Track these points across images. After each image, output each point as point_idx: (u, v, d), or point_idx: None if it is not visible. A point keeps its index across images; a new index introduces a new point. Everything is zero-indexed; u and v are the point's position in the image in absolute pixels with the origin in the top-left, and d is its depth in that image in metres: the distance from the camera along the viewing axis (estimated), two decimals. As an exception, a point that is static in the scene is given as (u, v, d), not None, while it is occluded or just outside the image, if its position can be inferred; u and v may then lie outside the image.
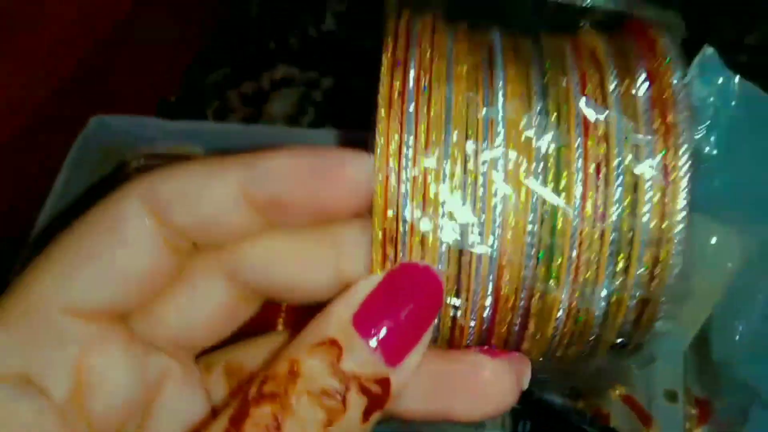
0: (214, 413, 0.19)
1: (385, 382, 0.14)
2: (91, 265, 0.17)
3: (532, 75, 0.17)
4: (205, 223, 0.17)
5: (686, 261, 0.18)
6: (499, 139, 0.16)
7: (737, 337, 0.41)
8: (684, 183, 0.18)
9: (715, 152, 0.45)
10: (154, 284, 0.18)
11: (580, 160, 0.17)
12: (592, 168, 0.17)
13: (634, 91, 0.17)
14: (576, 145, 0.17)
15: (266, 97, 0.66)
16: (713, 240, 0.43)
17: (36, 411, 0.15)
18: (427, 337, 0.15)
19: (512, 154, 0.16)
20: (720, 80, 0.45)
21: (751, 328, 0.41)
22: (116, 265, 0.17)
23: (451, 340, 0.17)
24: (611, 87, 0.17)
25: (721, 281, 0.43)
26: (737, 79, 0.44)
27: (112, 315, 0.17)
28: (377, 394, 0.14)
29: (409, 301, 0.15)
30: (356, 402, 0.14)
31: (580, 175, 0.16)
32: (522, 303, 0.16)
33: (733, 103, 0.44)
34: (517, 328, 0.17)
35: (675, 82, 0.17)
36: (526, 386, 0.17)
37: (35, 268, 0.17)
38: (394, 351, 0.15)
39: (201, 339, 0.19)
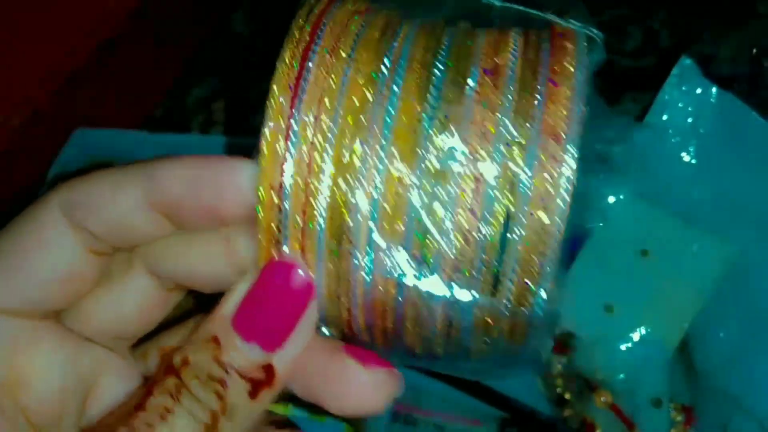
0: None
1: (268, 367, 0.17)
2: (13, 268, 0.18)
3: (432, 72, 0.17)
4: (116, 228, 0.19)
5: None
6: (385, 141, 0.17)
7: (718, 346, 0.42)
8: (562, 195, 0.16)
9: (693, 161, 0.45)
10: (78, 284, 0.19)
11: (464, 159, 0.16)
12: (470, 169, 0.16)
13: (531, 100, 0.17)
14: (464, 150, 0.16)
15: (253, 109, 0.66)
16: (694, 248, 0.43)
17: None
18: (304, 325, 0.17)
19: (396, 149, 0.16)
20: (698, 90, 0.46)
21: (731, 336, 0.42)
22: (38, 268, 0.18)
23: (343, 330, 0.18)
24: (508, 95, 0.17)
25: (704, 289, 0.43)
26: (715, 89, 0.45)
27: (41, 313, 0.19)
28: (260, 378, 0.17)
29: (278, 298, 0.17)
30: (237, 385, 0.17)
31: (460, 180, 0.16)
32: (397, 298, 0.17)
33: (712, 113, 0.45)
34: (395, 323, 0.17)
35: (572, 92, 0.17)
36: (393, 398, 0.18)
37: None
38: (270, 341, 0.17)
39: (133, 329, 0.21)
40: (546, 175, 0.16)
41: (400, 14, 0.19)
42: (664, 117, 0.46)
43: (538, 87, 0.17)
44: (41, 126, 0.53)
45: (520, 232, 0.16)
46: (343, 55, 0.18)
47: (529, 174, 0.16)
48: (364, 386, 0.17)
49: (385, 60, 0.17)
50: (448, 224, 0.16)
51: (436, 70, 0.17)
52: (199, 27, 0.70)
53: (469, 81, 0.17)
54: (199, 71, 0.69)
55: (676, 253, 0.43)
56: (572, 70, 0.17)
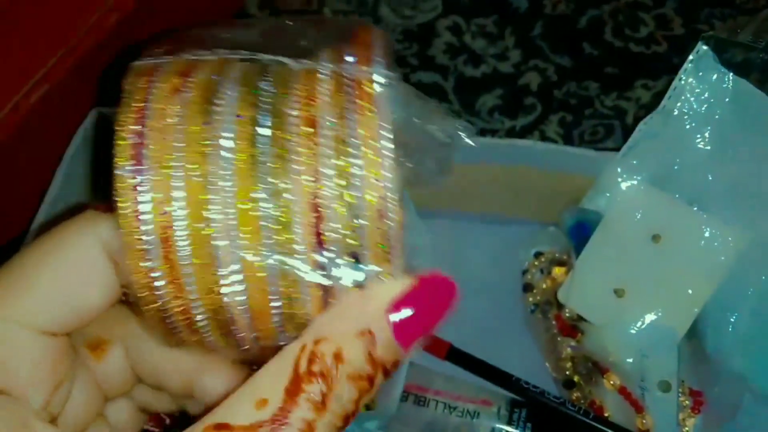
0: None
1: (397, 363, 0.17)
2: (53, 298, 0.19)
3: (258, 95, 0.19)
4: None
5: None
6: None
7: (729, 330, 0.42)
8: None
9: (708, 148, 0.45)
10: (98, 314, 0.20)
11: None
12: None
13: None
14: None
15: (265, 92, 0.67)
16: (706, 233, 0.44)
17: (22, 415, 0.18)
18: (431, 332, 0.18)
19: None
20: (714, 77, 0.45)
21: (743, 321, 0.42)
22: (80, 304, 0.19)
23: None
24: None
25: (714, 274, 0.43)
26: (731, 75, 0.45)
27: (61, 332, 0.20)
28: (392, 373, 0.17)
29: (432, 307, 0.18)
30: (379, 382, 0.17)
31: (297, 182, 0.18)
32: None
33: (727, 99, 0.45)
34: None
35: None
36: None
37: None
38: (408, 340, 0.17)
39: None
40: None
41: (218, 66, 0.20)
42: (679, 103, 0.46)
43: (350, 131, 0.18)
44: (58, 104, 0.53)
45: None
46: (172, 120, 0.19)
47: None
48: None
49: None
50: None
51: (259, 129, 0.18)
52: (215, 9, 0.70)
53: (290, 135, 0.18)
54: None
55: (688, 239, 0.44)
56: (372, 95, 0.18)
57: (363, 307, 0.17)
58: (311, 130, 0.18)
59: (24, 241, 0.46)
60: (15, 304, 0.18)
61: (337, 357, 0.16)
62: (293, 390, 0.16)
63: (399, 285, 0.17)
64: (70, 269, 0.19)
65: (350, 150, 0.17)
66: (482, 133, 0.64)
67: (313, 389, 0.16)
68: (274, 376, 0.16)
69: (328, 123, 0.18)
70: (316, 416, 0.16)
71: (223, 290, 0.17)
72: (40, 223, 0.47)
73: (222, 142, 0.18)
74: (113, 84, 0.60)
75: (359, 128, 0.18)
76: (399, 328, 0.17)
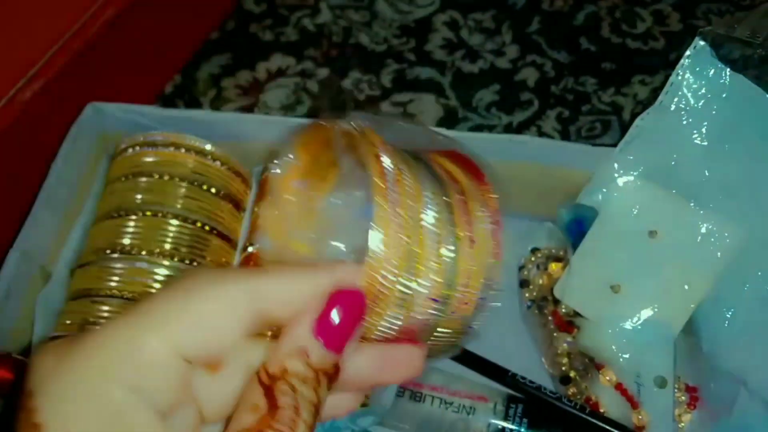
0: None
1: (336, 365, 0.23)
2: (197, 326, 0.22)
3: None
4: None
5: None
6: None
7: (725, 326, 0.42)
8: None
9: (705, 144, 0.45)
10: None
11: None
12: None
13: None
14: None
15: (261, 86, 0.66)
16: (703, 229, 0.44)
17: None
18: (357, 334, 0.23)
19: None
20: (711, 72, 0.45)
21: (738, 317, 0.42)
22: (215, 329, 0.22)
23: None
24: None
25: (711, 270, 0.43)
26: (728, 71, 0.45)
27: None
28: (333, 373, 0.23)
29: (348, 315, 0.23)
30: (323, 379, 0.22)
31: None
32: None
33: (724, 95, 0.45)
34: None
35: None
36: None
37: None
38: (339, 346, 0.23)
39: None
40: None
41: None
42: (676, 99, 0.45)
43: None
44: (53, 99, 0.53)
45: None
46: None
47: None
48: (414, 355, 0.24)
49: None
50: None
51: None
52: (210, 4, 0.70)
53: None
54: (209, 49, 0.69)
55: (684, 235, 0.44)
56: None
57: (292, 333, 0.22)
58: None
59: (20, 230, 0.46)
60: (167, 329, 0.21)
61: (283, 370, 0.22)
62: (267, 389, 0.21)
63: (316, 306, 0.23)
64: (217, 303, 0.22)
65: None
66: (479, 128, 0.64)
67: (282, 387, 0.21)
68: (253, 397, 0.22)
69: None
70: (294, 408, 0.21)
71: None
72: (36, 215, 0.47)
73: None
74: (108, 78, 0.59)
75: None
76: (326, 339, 0.22)
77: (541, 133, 0.63)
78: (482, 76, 0.67)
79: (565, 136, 0.63)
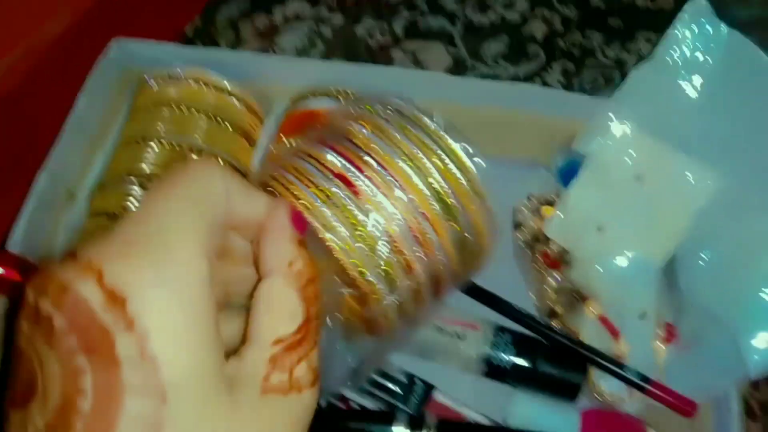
0: None
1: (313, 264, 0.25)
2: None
3: None
4: None
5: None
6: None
7: (700, 266, 0.45)
8: None
9: (697, 97, 0.47)
10: None
11: None
12: None
13: None
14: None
15: (277, 30, 0.69)
16: (687, 175, 0.46)
17: None
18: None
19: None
20: (708, 28, 0.47)
21: (713, 258, 0.45)
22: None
23: None
24: None
25: (691, 213, 0.46)
26: (725, 27, 0.47)
27: None
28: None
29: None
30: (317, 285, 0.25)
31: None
32: None
33: (720, 51, 0.47)
34: None
35: None
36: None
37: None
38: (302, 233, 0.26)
39: None
40: None
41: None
42: (672, 52, 0.48)
43: None
44: (81, 35, 0.56)
45: None
46: None
47: None
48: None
49: None
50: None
51: None
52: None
53: None
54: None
55: (669, 179, 0.46)
56: None
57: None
58: None
59: (47, 157, 0.49)
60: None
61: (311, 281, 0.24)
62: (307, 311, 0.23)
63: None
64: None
65: None
66: (485, 77, 0.66)
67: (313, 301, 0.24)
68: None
69: None
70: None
71: None
72: (63, 140, 0.50)
73: None
74: (133, 17, 0.61)
75: None
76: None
77: (545, 85, 0.66)
78: (492, 27, 0.69)
79: (568, 88, 0.66)
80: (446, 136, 0.31)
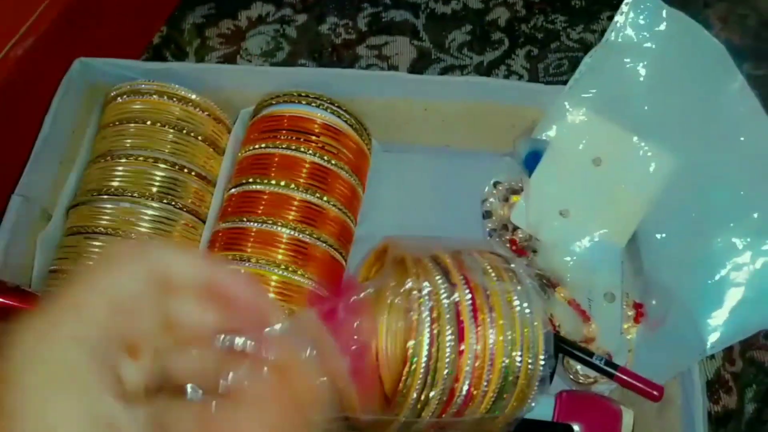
0: None
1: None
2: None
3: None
4: None
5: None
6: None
7: (660, 246, 0.46)
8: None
9: (646, 78, 0.48)
10: None
11: None
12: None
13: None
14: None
15: (243, 33, 0.69)
16: (642, 157, 0.47)
17: None
18: None
19: None
20: (653, 10, 0.48)
21: (670, 239, 0.46)
22: None
23: None
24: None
25: (648, 194, 0.47)
26: (668, 8, 0.48)
27: None
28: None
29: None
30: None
31: None
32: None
33: (665, 32, 0.48)
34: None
35: None
36: None
37: None
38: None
39: None
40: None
41: None
42: (621, 36, 0.48)
43: None
44: (44, 55, 0.57)
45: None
46: None
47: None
48: None
49: None
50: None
51: None
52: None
53: None
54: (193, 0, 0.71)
55: (624, 162, 0.47)
56: None
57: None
58: None
59: (18, 183, 0.50)
60: None
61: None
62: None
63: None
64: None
65: None
66: (451, 69, 0.67)
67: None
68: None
69: None
70: None
71: None
72: (34, 162, 0.51)
73: None
74: (98, 33, 0.62)
75: None
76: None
77: (511, 72, 0.66)
78: (455, 16, 0.70)
79: (533, 73, 0.66)
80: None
